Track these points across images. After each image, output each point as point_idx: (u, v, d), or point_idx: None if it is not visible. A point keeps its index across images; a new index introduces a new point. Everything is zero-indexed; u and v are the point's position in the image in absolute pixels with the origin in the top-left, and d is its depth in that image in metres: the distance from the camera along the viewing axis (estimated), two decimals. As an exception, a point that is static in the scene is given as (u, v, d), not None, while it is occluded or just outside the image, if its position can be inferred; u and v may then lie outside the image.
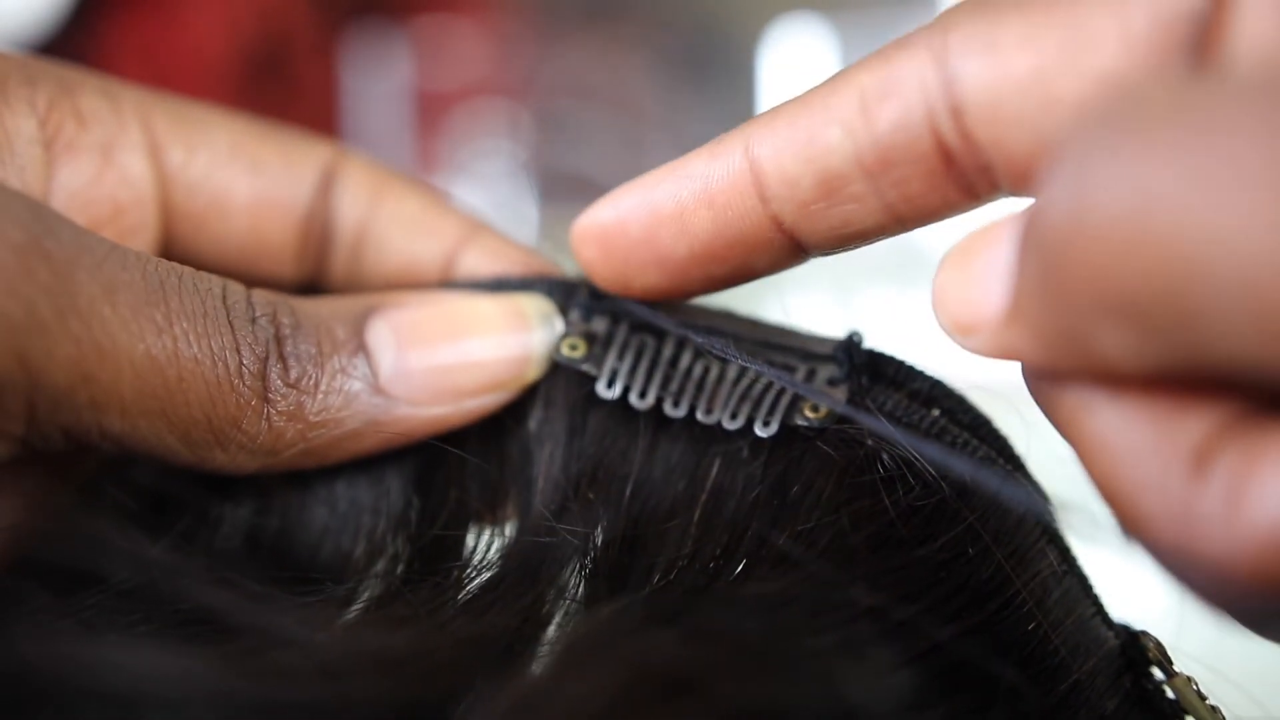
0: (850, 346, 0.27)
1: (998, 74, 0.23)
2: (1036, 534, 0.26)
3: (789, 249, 0.26)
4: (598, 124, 1.13)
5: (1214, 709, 0.26)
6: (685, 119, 1.18)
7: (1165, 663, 0.26)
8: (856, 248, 0.27)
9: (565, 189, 1.13)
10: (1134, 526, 0.21)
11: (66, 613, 0.24)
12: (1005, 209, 0.24)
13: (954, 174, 0.25)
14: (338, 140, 1.07)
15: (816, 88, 0.25)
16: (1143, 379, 0.20)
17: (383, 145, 1.13)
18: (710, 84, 1.20)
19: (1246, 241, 0.17)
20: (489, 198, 1.10)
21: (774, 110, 0.26)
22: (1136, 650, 0.26)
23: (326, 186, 0.31)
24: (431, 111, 1.13)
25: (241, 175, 0.30)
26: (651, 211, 0.27)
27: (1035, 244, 0.20)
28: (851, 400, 0.26)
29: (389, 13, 1.11)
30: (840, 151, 0.25)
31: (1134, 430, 0.21)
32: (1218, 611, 0.21)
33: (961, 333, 0.23)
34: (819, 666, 0.21)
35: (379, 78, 1.11)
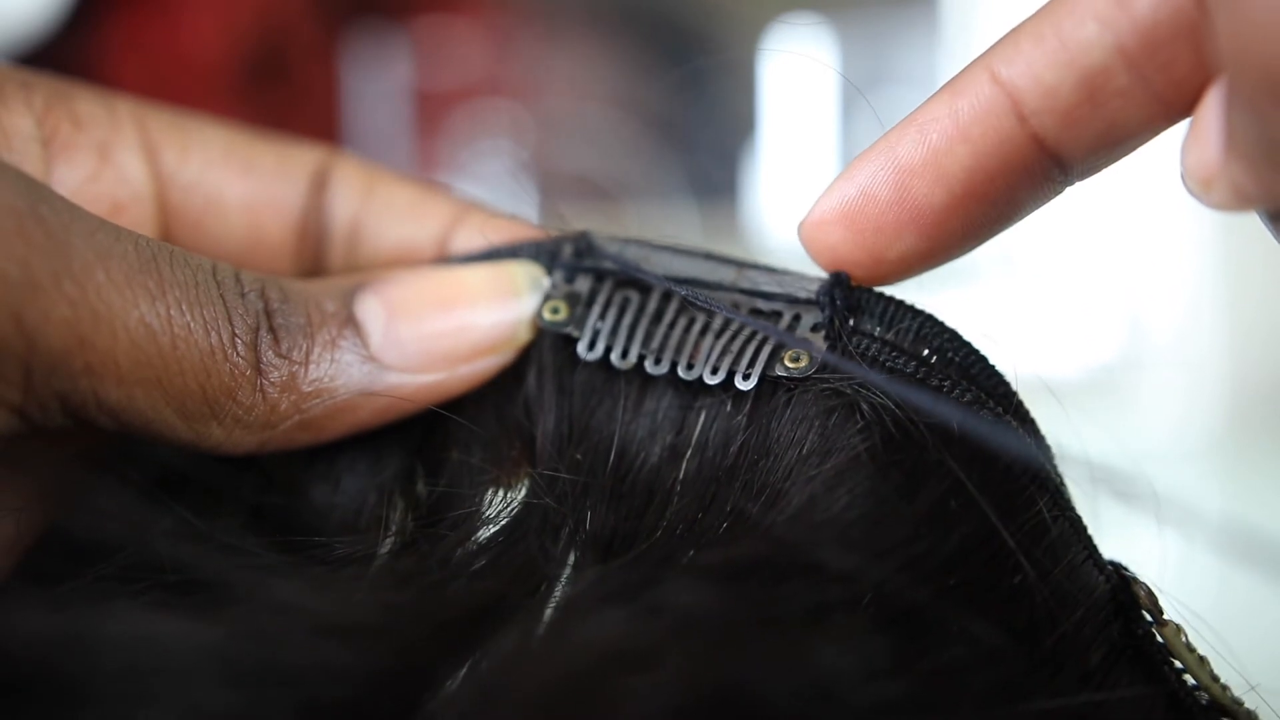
0: (833, 288, 0.27)
1: None
2: (1026, 479, 0.25)
3: (1052, 172, 0.26)
4: (598, 124, 1.14)
5: (1202, 659, 0.26)
6: (685, 119, 1.18)
7: (1155, 610, 0.26)
8: (1121, 157, 0.26)
9: (565, 189, 1.13)
10: None
11: (75, 584, 0.24)
12: None
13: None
14: (338, 140, 1.07)
15: (1051, 1, 0.25)
16: None
17: (383, 145, 1.13)
18: (710, 84, 1.21)
19: None
20: (489, 198, 1.10)
21: (1013, 31, 0.25)
22: (1127, 596, 0.26)
23: (320, 184, 0.31)
24: (431, 111, 1.14)
25: (236, 176, 0.31)
26: (900, 167, 0.26)
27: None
28: (832, 346, 0.26)
29: (389, 13, 1.12)
30: (1100, 45, 0.24)
31: None
32: None
33: (1204, 190, 0.23)
34: (785, 636, 0.21)
35: (379, 78, 1.11)
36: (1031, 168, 0.25)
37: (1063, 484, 0.26)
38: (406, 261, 0.31)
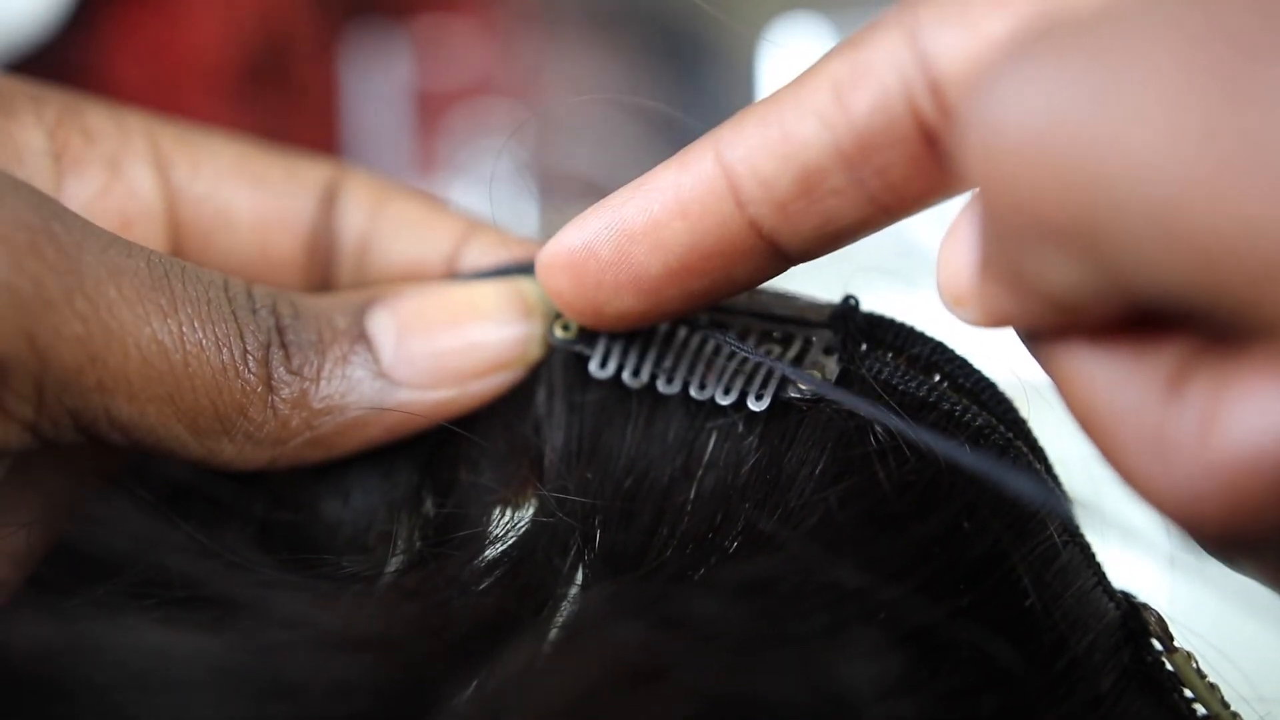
0: (845, 313, 0.27)
1: (974, 44, 0.22)
2: (1037, 504, 0.25)
3: (770, 256, 0.26)
4: (598, 124, 1.13)
5: (1213, 686, 0.26)
6: (685, 119, 1.18)
7: (1165, 637, 0.26)
8: (838, 248, 0.26)
9: (565, 189, 1.13)
10: (1114, 459, 0.21)
11: (82, 598, 0.24)
12: None
13: (938, 155, 0.24)
14: (337, 139, 1.07)
15: (787, 84, 0.25)
16: (1108, 317, 0.21)
17: (383, 145, 1.13)
18: (710, 84, 1.20)
19: (1149, 159, 0.17)
20: (489, 198, 1.10)
21: (743, 112, 0.25)
22: (1137, 623, 0.26)
23: (329, 199, 0.31)
24: (431, 111, 1.13)
25: (245, 191, 0.31)
26: (622, 230, 0.26)
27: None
28: (846, 371, 0.26)
29: (389, 13, 1.11)
30: (817, 144, 0.24)
31: (1111, 365, 0.21)
32: (1193, 544, 0.21)
33: (957, 306, 0.23)
34: (800, 652, 0.21)
35: (379, 78, 1.11)
36: (748, 251, 0.25)
37: (1072, 510, 0.26)
38: (416, 278, 0.31)
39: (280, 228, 0.31)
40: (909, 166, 0.24)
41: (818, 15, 1.14)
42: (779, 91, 0.25)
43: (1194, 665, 0.26)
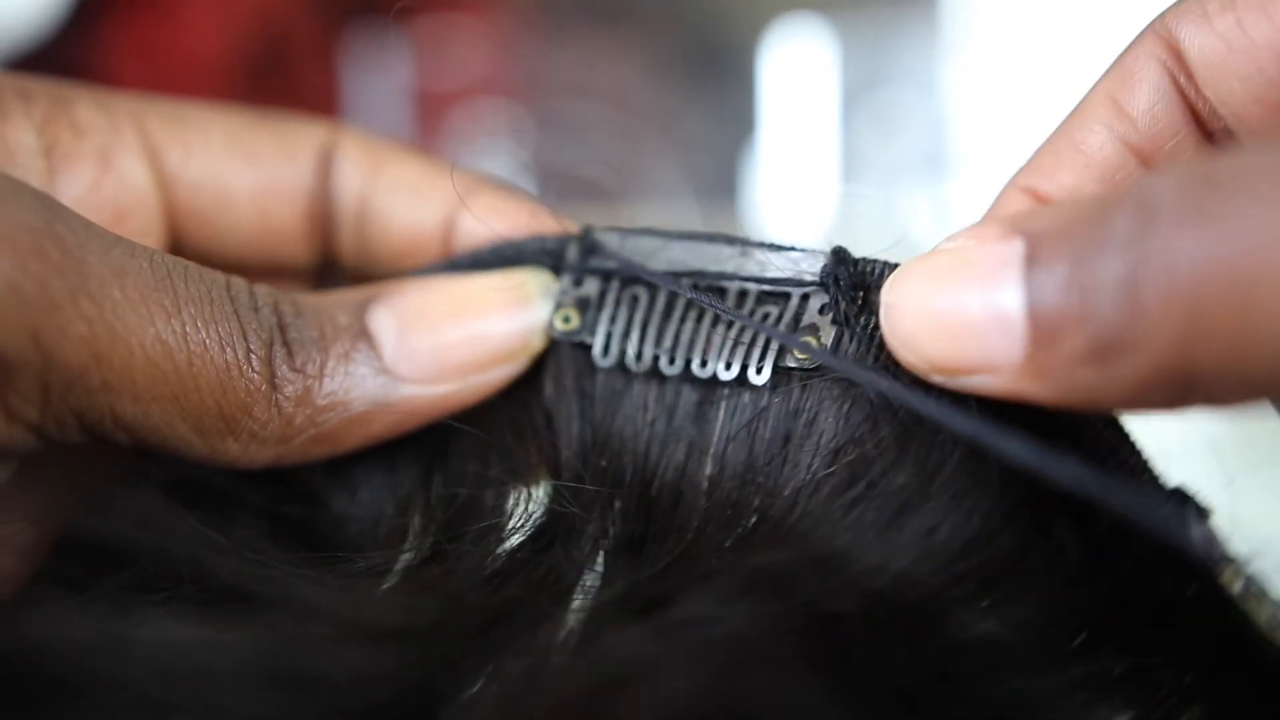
0: (836, 267, 0.26)
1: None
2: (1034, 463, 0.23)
3: None
4: (598, 124, 1.13)
5: (1261, 599, 0.24)
6: (685, 119, 1.18)
7: (1215, 553, 0.24)
8: None
9: (565, 189, 1.13)
10: None
11: (98, 592, 0.24)
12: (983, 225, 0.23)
13: (1207, 138, 0.26)
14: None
15: (1063, 120, 0.27)
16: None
17: (383, 145, 1.13)
18: (710, 84, 1.21)
19: None
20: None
21: (1037, 152, 0.27)
22: (1183, 539, 0.24)
23: (325, 166, 0.32)
24: (431, 111, 1.13)
25: (241, 168, 0.31)
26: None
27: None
28: (839, 334, 0.26)
29: (389, 13, 1.11)
30: (1109, 146, 0.26)
31: None
32: None
33: (963, 374, 0.22)
34: (804, 643, 0.21)
35: (379, 78, 1.11)
36: None
37: (1114, 423, 0.25)
38: (415, 242, 0.31)
39: (279, 200, 0.31)
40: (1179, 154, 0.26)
41: (818, 15, 1.14)
42: (1061, 125, 0.27)
43: (1242, 583, 0.24)
